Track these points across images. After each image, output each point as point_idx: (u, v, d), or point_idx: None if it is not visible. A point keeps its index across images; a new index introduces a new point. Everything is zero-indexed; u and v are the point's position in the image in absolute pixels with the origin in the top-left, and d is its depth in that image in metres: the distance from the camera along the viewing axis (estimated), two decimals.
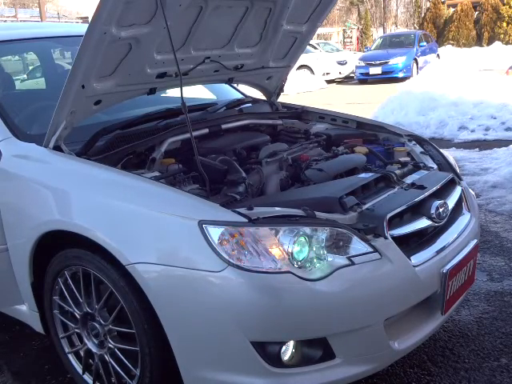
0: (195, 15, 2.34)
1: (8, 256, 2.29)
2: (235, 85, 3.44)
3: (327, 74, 18.41)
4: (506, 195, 4.50)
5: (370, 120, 3.17)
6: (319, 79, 17.51)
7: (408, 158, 2.63)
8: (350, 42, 32.15)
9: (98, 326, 2.07)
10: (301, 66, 17.63)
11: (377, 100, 10.36)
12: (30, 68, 4.25)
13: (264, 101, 3.33)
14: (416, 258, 1.98)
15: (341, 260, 1.80)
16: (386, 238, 1.90)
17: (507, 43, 23.16)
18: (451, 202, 2.31)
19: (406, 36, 18.85)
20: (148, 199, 1.88)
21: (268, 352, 1.75)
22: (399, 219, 2.05)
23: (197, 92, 3.37)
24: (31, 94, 3.26)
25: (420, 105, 8.15)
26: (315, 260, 1.77)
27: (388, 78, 16.43)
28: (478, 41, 26.18)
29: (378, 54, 17.48)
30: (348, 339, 1.79)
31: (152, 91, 2.54)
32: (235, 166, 2.30)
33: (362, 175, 2.27)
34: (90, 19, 2.02)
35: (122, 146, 2.29)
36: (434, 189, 2.24)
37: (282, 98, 3.39)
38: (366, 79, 17.26)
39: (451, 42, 25.91)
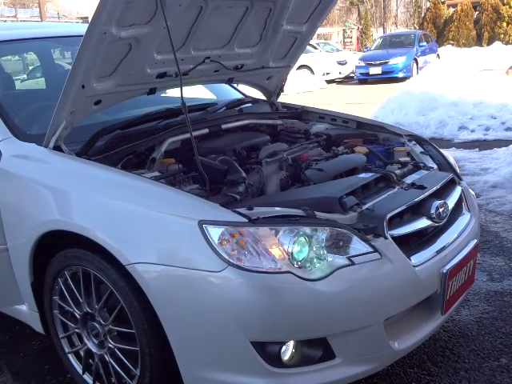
0: (195, 15, 2.34)
1: (8, 256, 2.29)
2: (235, 85, 3.44)
3: (327, 73, 18.41)
4: (506, 195, 4.50)
5: (369, 120, 3.17)
6: (319, 79, 17.51)
7: (408, 158, 2.63)
8: (350, 41, 32.15)
9: (98, 325, 2.07)
10: (301, 66, 17.63)
11: (377, 100, 10.37)
12: (30, 68, 4.25)
13: (264, 101, 3.33)
14: (416, 258, 1.98)
15: (341, 260, 1.80)
16: (385, 237, 1.90)
17: (507, 43, 23.16)
18: (451, 202, 2.31)
19: (405, 36, 18.86)
20: (148, 199, 1.88)
21: (268, 352, 1.75)
22: (399, 219, 2.05)
23: (197, 92, 3.37)
24: (31, 93, 3.26)
25: (420, 105, 8.15)
26: (315, 260, 1.77)
27: (388, 77, 16.43)
28: (478, 41, 26.18)
29: (377, 53, 17.48)
30: (348, 339, 1.79)
31: (152, 91, 2.54)
32: (235, 166, 2.30)
33: (362, 175, 2.27)
34: (90, 19, 2.02)
35: (122, 146, 2.29)
36: (434, 189, 2.24)
37: (282, 98, 3.39)
38: (366, 79, 17.26)
39: (451, 41, 25.92)
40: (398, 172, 2.33)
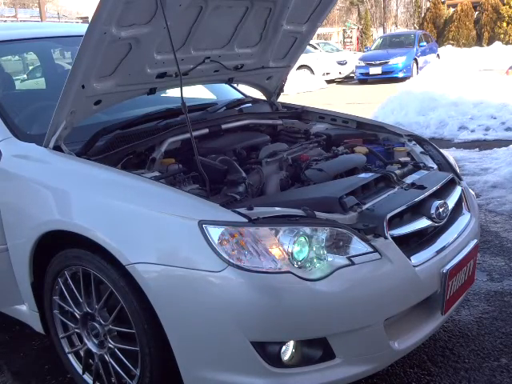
0: (195, 15, 2.34)
1: (8, 256, 2.29)
2: (235, 85, 3.44)
3: (327, 74, 18.41)
4: (506, 195, 4.50)
5: (370, 120, 3.17)
6: (319, 79, 17.51)
7: (408, 158, 2.63)
8: (350, 41, 32.15)
9: (97, 325, 2.07)
10: (301, 66, 17.63)
11: (377, 100, 10.37)
12: (30, 68, 4.24)
13: (264, 101, 3.33)
14: (416, 258, 1.98)
15: (341, 260, 1.80)
16: (385, 237, 1.90)
17: (507, 43, 23.16)
18: (451, 202, 2.31)
19: (405, 36, 18.86)
20: (148, 199, 1.88)
21: (268, 352, 1.75)
22: (399, 219, 2.05)
23: (197, 92, 3.37)
24: (31, 93, 3.26)
25: (420, 105, 8.15)
26: (315, 260, 1.77)
27: (388, 77, 16.43)
28: (478, 41, 26.18)
29: (377, 53, 17.48)
30: (348, 339, 1.79)
31: (152, 91, 2.54)
32: (235, 166, 2.30)
33: (362, 175, 2.27)
34: (90, 19, 2.02)
35: (122, 146, 2.29)
36: (434, 189, 2.24)
37: (282, 98, 3.39)
38: (366, 79, 17.26)
39: (451, 42, 25.92)
40: (397, 172, 2.33)
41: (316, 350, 1.80)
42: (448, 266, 2.03)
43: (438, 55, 18.72)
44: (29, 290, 2.26)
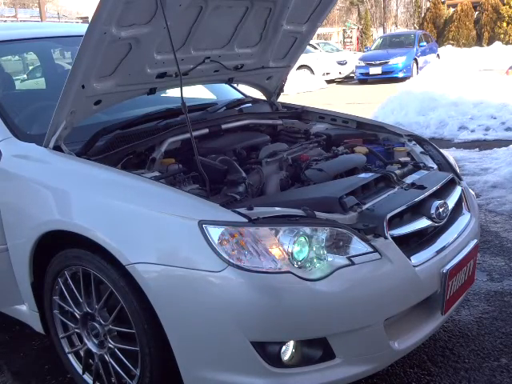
0: (195, 15, 2.34)
1: (8, 256, 2.29)
2: (235, 85, 3.44)
3: (327, 74, 18.41)
4: (506, 195, 4.50)
5: (370, 120, 3.17)
6: (319, 79, 17.51)
7: (408, 158, 2.63)
8: (350, 41, 32.15)
9: (97, 325, 2.07)
10: (301, 66, 17.63)
11: (377, 100, 10.37)
12: (30, 68, 4.24)
13: (264, 101, 3.33)
14: (416, 258, 1.98)
15: (341, 260, 1.80)
16: (385, 237, 1.90)
17: (507, 43, 23.16)
18: (451, 202, 2.31)
19: (405, 36, 18.85)
20: (148, 199, 1.88)
21: (268, 352, 1.75)
22: (399, 219, 2.05)
23: (197, 92, 3.37)
24: (31, 93, 3.26)
25: (420, 105, 8.15)
26: (315, 260, 1.77)
27: (388, 77, 16.43)
28: (478, 41, 26.18)
29: (377, 53, 17.48)
30: (348, 339, 1.79)
31: (152, 91, 2.54)
32: (235, 166, 2.30)
33: (362, 175, 2.27)
34: (90, 19, 2.02)
35: (122, 146, 2.29)
36: (434, 189, 2.24)
37: (282, 98, 3.39)
38: (366, 79, 17.26)
39: (451, 42, 25.92)
40: (398, 172, 2.33)
41: (316, 350, 1.80)
42: (448, 266, 2.03)
43: (437, 55, 18.72)
44: (29, 290, 2.26)
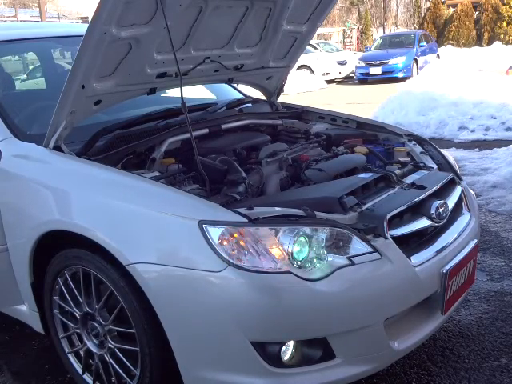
0: (195, 15, 2.34)
1: (8, 256, 2.29)
2: (235, 85, 3.44)
3: (327, 74, 18.41)
4: (506, 195, 4.50)
5: (370, 120, 3.17)
6: (319, 79, 17.51)
7: (408, 158, 2.63)
8: (350, 41, 32.15)
9: (97, 325, 2.07)
10: (301, 66, 17.63)
11: (377, 100, 10.37)
12: (30, 68, 4.24)
13: (264, 101, 3.33)
14: (416, 258, 1.98)
15: (341, 260, 1.80)
16: (385, 237, 1.90)
17: (507, 43, 23.16)
18: (451, 202, 2.31)
19: (405, 36, 18.86)
20: (148, 199, 1.88)
21: (268, 352, 1.75)
22: (399, 219, 2.05)
23: (197, 92, 3.37)
24: (31, 93, 3.26)
25: (420, 105, 8.15)
26: (315, 260, 1.77)
27: (388, 77, 16.43)
28: (478, 41, 26.18)
29: (377, 53, 17.48)
30: (348, 339, 1.79)
31: (152, 91, 2.54)
32: (235, 166, 2.30)
33: (362, 175, 2.27)
34: (90, 19, 2.02)
35: (122, 146, 2.29)
36: (434, 189, 2.24)
37: (282, 98, 3.39)
38: (366, 79, 17.26)
39: (451, 42, 25.92)
40: (398, 172, 2.33)
41: (316, 350, 1.80)
42: (448, 266, 2.03)
43: (437, 55, 18.72)
44: (29, 290, 2.26)
